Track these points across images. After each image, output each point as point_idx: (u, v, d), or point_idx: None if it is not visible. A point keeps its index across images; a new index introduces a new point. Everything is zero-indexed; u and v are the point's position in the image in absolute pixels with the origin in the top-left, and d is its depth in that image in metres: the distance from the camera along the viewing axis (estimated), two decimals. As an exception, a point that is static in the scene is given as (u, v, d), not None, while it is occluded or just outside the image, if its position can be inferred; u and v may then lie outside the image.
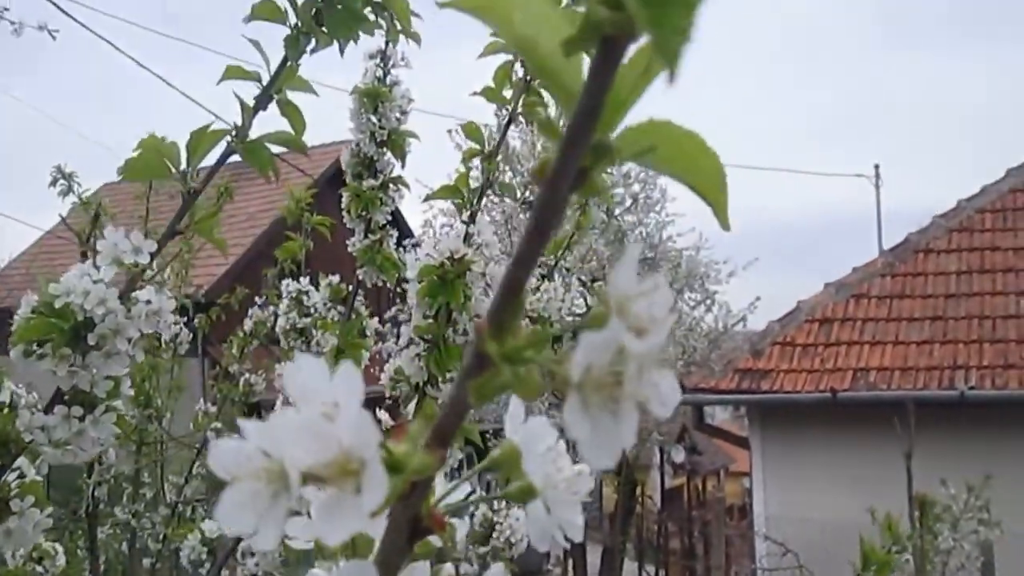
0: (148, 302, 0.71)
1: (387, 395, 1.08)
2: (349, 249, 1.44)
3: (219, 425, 3.56)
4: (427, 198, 1.15)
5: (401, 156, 1.41)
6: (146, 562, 2.72)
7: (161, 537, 2.71)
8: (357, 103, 1.36)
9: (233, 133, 0.69)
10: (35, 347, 0.69)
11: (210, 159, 0.74)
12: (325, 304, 1.52)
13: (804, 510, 6.54)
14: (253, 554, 1.36)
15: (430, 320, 1.03)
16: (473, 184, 1.09)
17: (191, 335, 3.39)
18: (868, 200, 12.82)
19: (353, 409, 0.23)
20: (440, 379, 1.00)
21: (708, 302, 8.20)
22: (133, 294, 0.71)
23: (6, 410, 0.73)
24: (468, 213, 1.08)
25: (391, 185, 1.43)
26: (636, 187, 8.75)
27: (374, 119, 1.37)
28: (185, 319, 3.51)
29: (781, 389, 6.69)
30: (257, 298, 4.37)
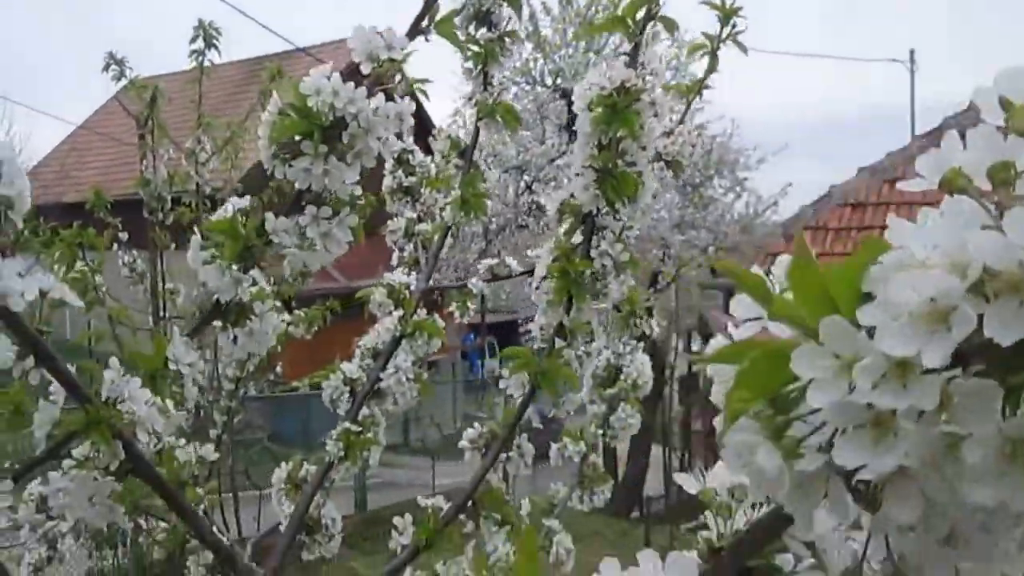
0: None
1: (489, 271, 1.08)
2: (467, 102, 1.42)
3: (278, 304, 3.58)
4: (592, 29, 1.13)
5: (517, 8, 1.38)
6: (212, 433, 2.81)
7: (226, 411, 2.79)
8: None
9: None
10: (284, 149, 0.70)
11: None
12: (444, 157, 1.51)
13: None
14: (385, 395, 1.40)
15: (596, 151, 1.02)
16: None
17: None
18: (904, 89, 12.54)
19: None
20: (620, 205, 1.00)
21: (738, 188, 8.15)
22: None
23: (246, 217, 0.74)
24: (634, 44, 1.06)
25: (507, 38, 1.40)
26: (668, 74, 8.58)
27: (490, -30, 1.33)
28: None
29: (813, 273, 6.71)
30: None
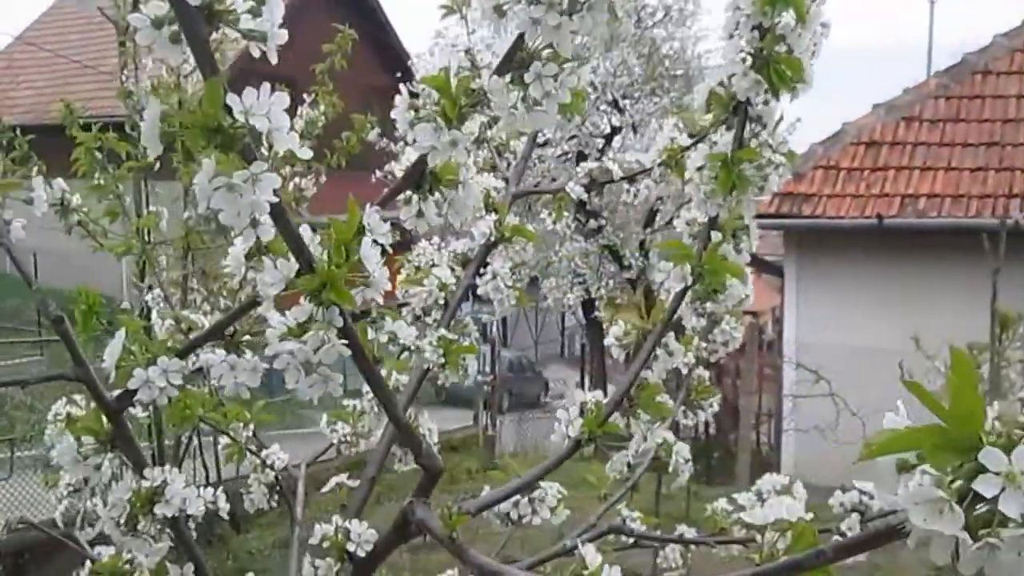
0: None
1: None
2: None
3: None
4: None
5: None
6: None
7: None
8: None
9: None
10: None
11: None
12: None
13: (838, 336, 6.76)
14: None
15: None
16: None
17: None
18: (922, 24, 12.50)
19: None
20: (783, 92, 1.00)
21: (744, 124, 8.15)
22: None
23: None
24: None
25: None
26: (669, -1, 8.54)
27: None
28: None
29: (824, 214, 6.77)
30: (306, 95, 4.28)
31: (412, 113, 0.73)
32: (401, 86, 0.74)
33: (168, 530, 0.95)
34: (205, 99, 0.55)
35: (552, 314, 16.17)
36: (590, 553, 0.67)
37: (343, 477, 1.37)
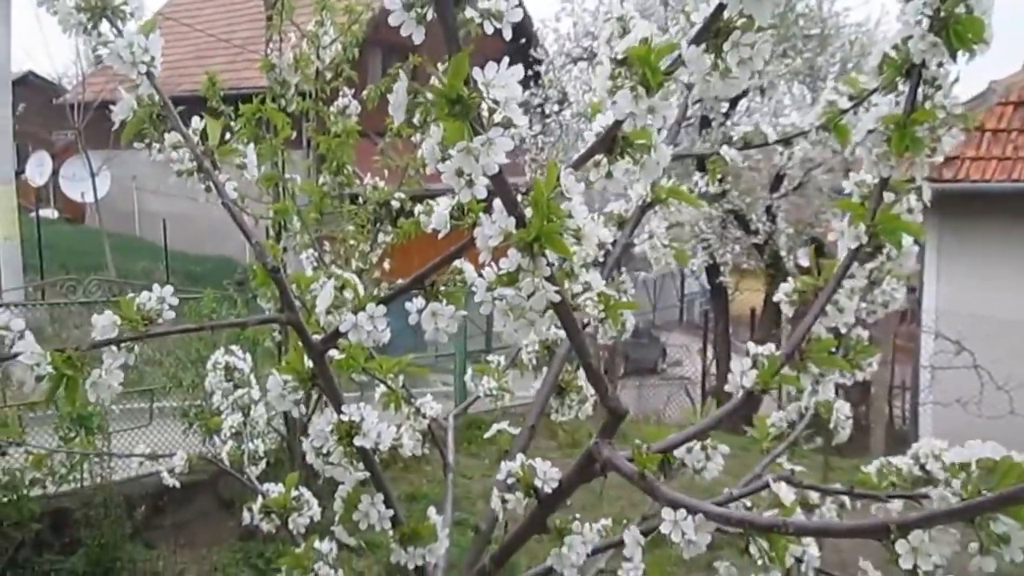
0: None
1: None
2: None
3: (402, 195, 3.73)
4: None
5: None
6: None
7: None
8: None
9: None
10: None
11: None
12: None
13: (981, 306, 6.52)
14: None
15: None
16: None
17: (359, 108, 3.50)
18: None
19: None
20: (961, 53, 1.01)
21: (882, 83, 7.87)
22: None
23: None
24: None
25: None
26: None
27: None
28: (353, 92, 3.60)
29: (967, 178, 6.51)
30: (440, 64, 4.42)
31: (611, 81, 0.79)
32: (604, 56, 0.80)
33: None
34: (450, 72, 0.63)
35: (671, 279, 16.03)
36: (783, 490, 0.73)
37: (504, 424, 1.46)
